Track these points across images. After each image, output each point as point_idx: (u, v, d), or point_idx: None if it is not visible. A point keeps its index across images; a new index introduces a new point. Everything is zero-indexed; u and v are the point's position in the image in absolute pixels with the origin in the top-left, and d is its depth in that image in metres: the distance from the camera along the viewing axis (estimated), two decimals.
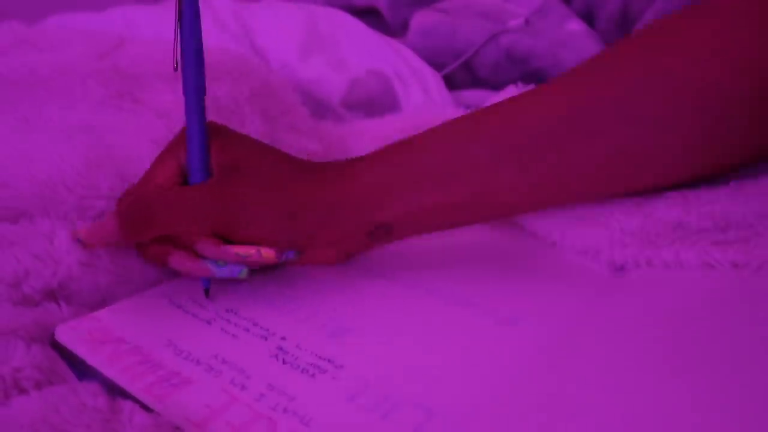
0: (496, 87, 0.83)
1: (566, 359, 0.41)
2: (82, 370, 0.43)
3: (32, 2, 0.94)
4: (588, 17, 0.92)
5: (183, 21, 0.47)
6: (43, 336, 0.44)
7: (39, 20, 0.85)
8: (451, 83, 0.87)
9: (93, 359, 0.43)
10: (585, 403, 0.38)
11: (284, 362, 0.42)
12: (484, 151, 0.47)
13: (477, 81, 0.89)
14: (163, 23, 0.86)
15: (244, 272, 0.46)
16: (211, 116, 0.62)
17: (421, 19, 0.91)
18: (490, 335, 0.44)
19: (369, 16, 0.95)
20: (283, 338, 0.44)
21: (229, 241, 0.46)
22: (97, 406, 0.39)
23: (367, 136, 0.68)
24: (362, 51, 0.86)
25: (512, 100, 0.49)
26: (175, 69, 0.47)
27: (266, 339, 0.44)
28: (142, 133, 0.58)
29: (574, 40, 0.87)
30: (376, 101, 0.82)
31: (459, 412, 0.39)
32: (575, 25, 0.88)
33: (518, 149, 0.47)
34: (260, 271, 0.49)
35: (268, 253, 0.46)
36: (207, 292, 0.47)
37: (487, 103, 0.66)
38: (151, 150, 0.57)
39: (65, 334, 0.44)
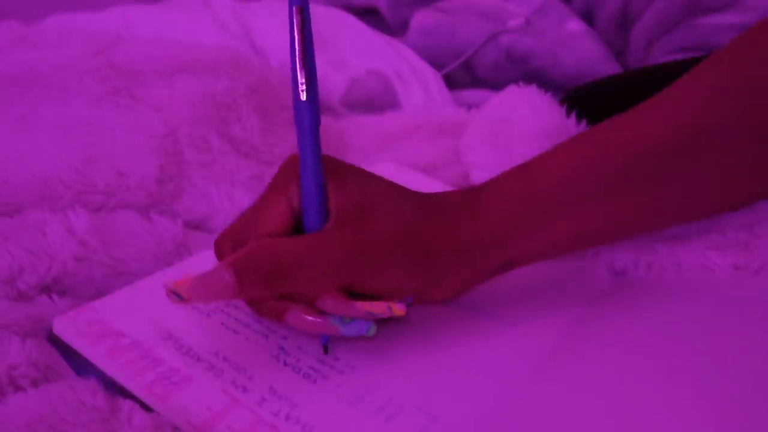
0: (496, 87, 0.83)
1: (570, 364, 0.41)
2: (79, 364, 0.42)
3: (32, 2, 0.94)
4: (588, 17, 0.92)
5: (291, 46, 0.42)
6: (38, 331, 0.44)
7: (38, 20, 0.85)
8: (451, 83, 0.87)
9: (92, 354, 0.42)
10: (589, 407, 0.38)
11: (285, 364, 0.42)
12: (613, 175, 0.44)
13: (477, 81, 0.89)
14: (162, 23, 0.86)
15: (372, 329, 0.41)
16: (209, 113, 0.62)
17: (421, 19, 0.90)
18: (492, 338, 0.44)
19: (369, 15, 0.95)
20: (284, 337, 0.43)
21: (355, 295, 0.41)
22: (96, 405, 0.39)
23: (366, 132, 0.68)
24: (362, 50, 0.86)
25: (634, 113, 0.46)
26: (305, 99, 0.41)
27: (267, 337, 0.43)
28: (139, 129, 0.58)
29: (574, 40, 0.87)
30: (376, 101, 0.82)
31: (462, 416, 0.38)
32: (575, 25, 0.88)
33: (650, 168, 0.44)
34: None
35: (399, 310, 0.41)
36: (326, 349, 0.43)
37: (487, 103, 0.66)
38: (148, 145, 0.57)
39: (63, 326, 0.43)
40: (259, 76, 0.66)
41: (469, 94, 0.86)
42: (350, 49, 0.86)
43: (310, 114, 0.41)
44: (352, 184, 0.42)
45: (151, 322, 0.44)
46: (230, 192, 0.56)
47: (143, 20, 0.86)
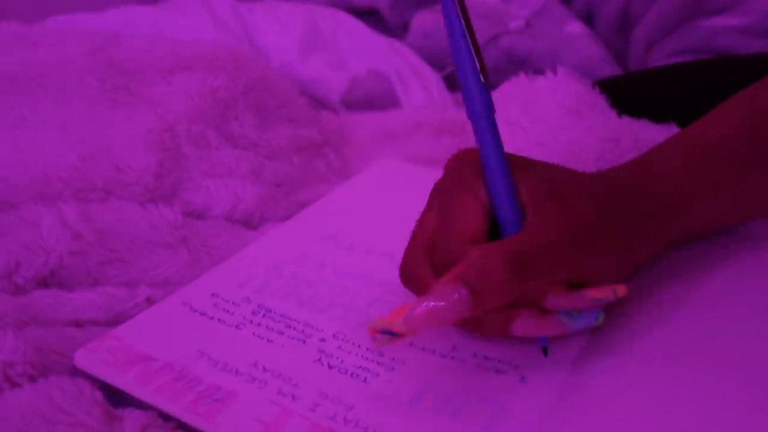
0: (496, 88, 0.83)
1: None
2: (117, 396, 0.39)
3: (32, 2, 0.94)
4: (588, 18, 0.92)
5: (451, 29, 0.40)
6: (33, 323, 0.43)
7: (38, 20, 0.85)
8: (452, 84, 0.87)
9: (122, 382, 0.39)
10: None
11: (330, 366, 0.40)
12: None
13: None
14: (162, 23, 0.87)
15: (601, 317, 0.39)
16: (207, 109, 0.62)
17: (421, 20, 0.91)
18: None
19: (369, 16, 0.95)
20: (323, 340, 0.42)
21: (573, 287, 0.39)
22: (94, 397, 0.38)
23: (367, 128, 0.68)
24: (362, 51, 0.86)
25: None
26: (486, 82, 0.39)
27: (304, 342, 0.42)
28: (137, 124, 0.58)
29: (574, 42, 0.87)
30: (376, 100, 0.82)
31: (528, 406, 0.37)
32: (575, 27, 0.88)
33: None
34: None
35: (622, 290, 0.39)
36: (545, 350, 0.40)
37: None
38: (146, 141, 0.57)
39: (85, 359, 0.40)
40: (258, 72, 0.66)
41: None
42: (350, 50, 0.86)
43: (487, 100, 0.39)
44: (537, 173, 0.40)
45: (179, 342, 0.42)
46: (228, 184, 0.56)
47: (143, 20, 0.87)
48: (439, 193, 0.42)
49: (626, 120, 0.58)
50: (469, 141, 0.61)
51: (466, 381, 0.39)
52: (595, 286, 0.39)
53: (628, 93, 0.65)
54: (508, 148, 0.40)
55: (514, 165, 0.40)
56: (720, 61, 0.71)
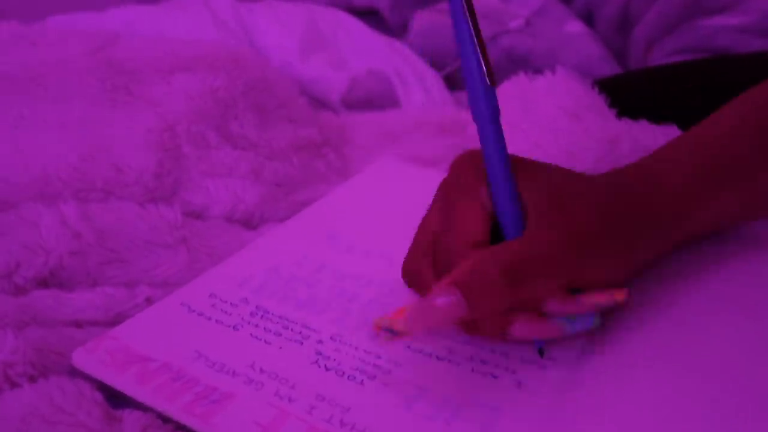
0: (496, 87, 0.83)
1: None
2: (116, 397, 0.39)
3: (32, 2, 0.94)
4: (588, 18, 0.92)
5: (458, 31, 0.40)
6: (33, 323, 0.43)
7: (38, 20, 0.85)
8: (452, 83, 0.87)
9: (119, 382, 0.39)
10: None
11: (327, 369, 0.40)
12: None
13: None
14: (162, 23, 0.87)
15: (597, 321, 0.39)
16: (207, 109, 0.62)
17: (421, 20, 0.91)
18: None
19: (369, 16, 0.95)
20: (320, 342, 0.42)
21: (573, 291, 0.40)
22: (94, 397, 0.38)
23: (367, 128, 0.68)
24: (362, 50, 0.86)
25: None
26: (492, 84, 0.39)
27: (301, 343, 0.42)
28: (137, 124, 0.58)
29: (573, 41, 0.87)
30: (376, 100, 0.82)
31: (524, 406, 0.38)
32: (575, 26, 0.88)
33: None
34: None
35: (620, 295, 0.39)
36: (542, 351, 0.40)
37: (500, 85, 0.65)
38: (146, 141, 0.57)
39: (83, 359, 0.41)
40: (258, 72, 0.66)
41: None
42: (350, 49, 0.86)
43: (492, 102, 0.39)
44: (540, 177, 0.41)
45: (177, 342, 0.42)
46: (228, 184, 0.56)
47: (143, 20, 0.87)
48: (442, 193, 0.42)
49: (625, 122, 0.58)
50: (470, 141, 0.61)
51: (463, 384, 0.39)
52: (595, 292, 0.39)
53: (627, 92, 0.65)
54: (507, 149, 0.40)
55: (518, 168, 0.40)
56: (720, 61, 0.71)
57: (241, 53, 0.68)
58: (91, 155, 0.55)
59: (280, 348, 0.42)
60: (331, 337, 0.42)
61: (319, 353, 0.41)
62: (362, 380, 0.40)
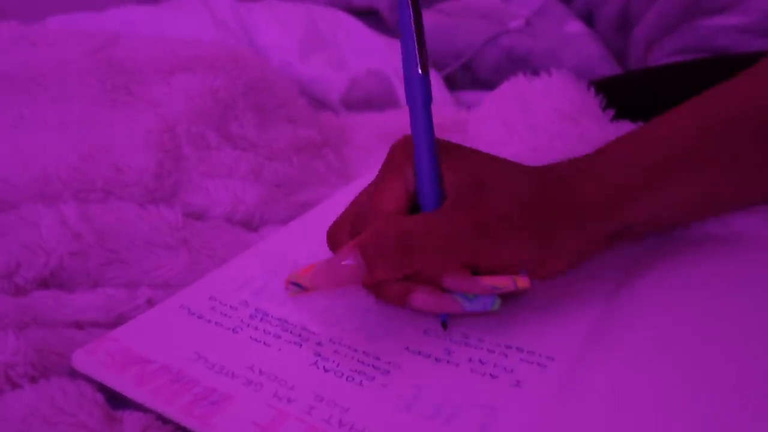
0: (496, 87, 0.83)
1: (613, 342, 0.41)
2: (115, 398, 0.40)
3: (32, 2, 0.94)
4: (588, 18, 0.92)
5: (402, 21, 0.42)
6: (34, 324, 0.43)
7: (38, 20, 0.85)
8: (452, 84, 0.87)
9: (119, 383, 0.39)
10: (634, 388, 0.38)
11: (326, 370, 0.40)
12: (727, 138, 0.45)
13: (477, 82, 0.89)
14: (162, 23, 0.87)
15: (497, 303, 0.41)
16: (207, 110, 0.62)
17: None
18: (531, 324, 0.43)
19: (369, 16, 0.95)
20: (319, 343, 0.42)
21: (476, 272, 0.41)
22: (95, 398, 0.38)
23: (367, 128, 0.68)
24: (362, 51, 0.86)
25: (732, 83, 0.47)
26: (424, 74, 0.42)
27: (300, 345, 0.42)
28: (137, 125, 0.58)
29: (573, 41, 0.87)
30: (376, 100, 0.82)
31: (522, 406, 0.38)
32: (575, 26, 0.88)
33: (754, 133, 0.45)
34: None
35: (523, 283, 0.41)
36: (445, 324, 0.42)
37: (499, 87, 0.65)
38: (146, 141, 0.57)
39: (82, 360, 0.41)
40: (258, 73, 0.66)
41: (470, 95, 0.86)
42: (350, 49, 0.86)
43: (425, 89, 0.42)
44: (465, 161, 0.43)
45: (176, 344, 0.42)
46: (228, 185, 0.56)
47: (143, 20, 0.87)
48: (379, 172, 0.45)
49: (621, 124, 0.58)
50: (470, 141, 0.61)
51: (461, 385, 0.39)
52: (496, 275, 0.41)
53: (627, 92, 0.65)
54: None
55: (445, 152, 0.43)
56: (719, 61, 0.71)
57: (240, 53, 0.68)
58: (91, 155, 0.55)
59: (280, 350, 0.42)
60: (330, 339, 0.42)
61: (318, 355, 0.41)
62: (361, 381, 0.40)
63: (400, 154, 0.43)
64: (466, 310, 0.41)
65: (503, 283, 0.40)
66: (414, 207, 0.43)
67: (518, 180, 0.43)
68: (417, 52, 0.42)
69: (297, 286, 0.41)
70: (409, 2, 0.42)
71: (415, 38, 0.42)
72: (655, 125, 0.47)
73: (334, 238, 0.44)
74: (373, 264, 0.39)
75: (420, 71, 0.42)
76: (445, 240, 0.40)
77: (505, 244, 0.41)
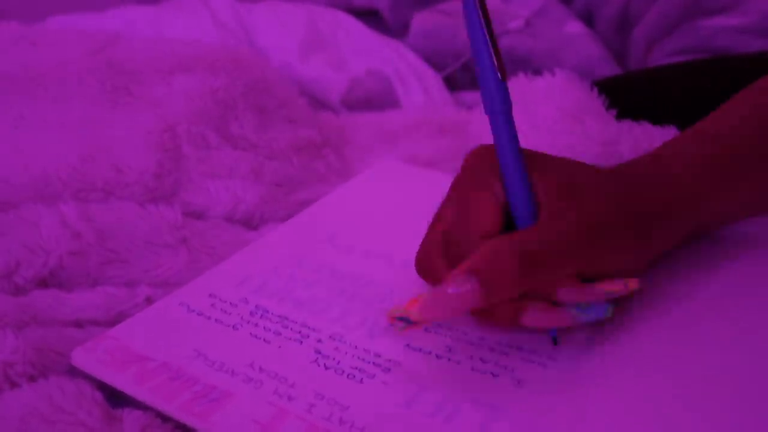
0: None
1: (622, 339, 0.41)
2: (115, 396, 0.40)
3: (32, 2, 0.94)
4: (588, 18, 0.92)
5: (471, 27, 0.40)
6: (33, 323, 0.43)
7: (38, 20, 0.85)
8: (452, 84, 0.87)
9: (118, 381, 0.39)
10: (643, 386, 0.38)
11: (326, 367, 0.40)
12: None
13: (477, 82, 0.89)
14: (162, 23, 0.87)
15: (610, 310, 0.40)
16: (207, 110, 0.62)
17: (421, 21, 0.91)
18: None
19: (369, 17, 0.95)
20: (319, 341, 0.42)
21: (586, 280, 0.40)
22: (94, 397, 0.38)
23: (367, 129, 0.68)
24: (362, 51, 0.86)
25: None
26: (503, 79, 0.40)
27: (301, 342, 0.42)
28: (137, 125, 0.58)
29: (573, 41, 0.87)
30: (376, 101, 0.82)
31: (523, 404, 0.38)
32: (575, 27, 0.88)
33: None
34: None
35: (634, 284, 0.40)
36: (555, 340, 0.41)
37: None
38: (146, 141, 0.57)
39: (82, 358, 0.41)
40: (258, 73, 0.66)
41: (470, 95, 0.86)
42: (350, 50, 0.86)
43: (505, 97, 0.40)
44: (551, 169, 0.41)
45: (175, 342, 0.42)
46: (228, 185, 0.56)
47: (143, 20, 0.87)
48: (456, 188, 0.43)
49: (624, 124, 0.58)
50: (470, 141, 0.61)
51: (462, 383, 0.39)
52: (606, 281, 0.40)
53: (627, 92, 0.64)
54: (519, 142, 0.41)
55: (530, 161, 0.41)
56: (720, 61, 0.71)
57: (241, 54, 0.68)
58: (91, 155, 0.55)
59: (280, 347, 0.42)
60: (330, 337, 0.42)
61: (318, 352, 0.41)
62: (361, 379, 0.40)
63: (483, 167, 0.41)
64: (579, 321, 0.40)
65: (616, 287, 0.40)
66: (508, 222, 0.41)
67: (604, 182, 0.42)
68: (493, 58, 0.40)
69: (405, 321, 0.38)
70: (476, 3, 0.39)
71: (488, 42, 0.39)
72: (712, 120, 0.46)
73: (428, 267, 0.42)
74: (491, 287, 0.37)
75: (499, 77, 0.40)
76: (559, 252, 0.39)
77: (613, 249, 0.40)
